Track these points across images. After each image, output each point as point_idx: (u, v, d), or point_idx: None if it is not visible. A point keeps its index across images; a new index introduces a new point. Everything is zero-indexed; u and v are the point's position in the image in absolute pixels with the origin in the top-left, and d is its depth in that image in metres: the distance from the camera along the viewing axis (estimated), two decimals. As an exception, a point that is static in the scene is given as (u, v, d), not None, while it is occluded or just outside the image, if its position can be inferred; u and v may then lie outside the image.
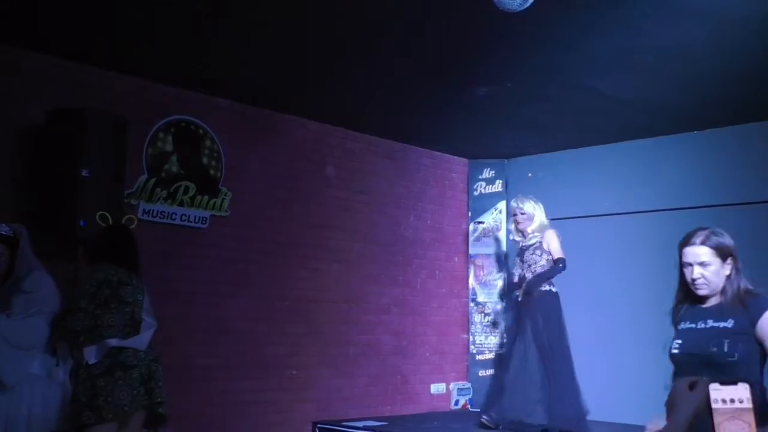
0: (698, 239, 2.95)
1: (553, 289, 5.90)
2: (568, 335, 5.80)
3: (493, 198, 7.79)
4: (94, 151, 4.61)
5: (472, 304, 7.70)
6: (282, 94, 5.84)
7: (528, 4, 3.70)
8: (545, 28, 4.40)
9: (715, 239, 2.93)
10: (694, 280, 2.92)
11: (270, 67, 5.24)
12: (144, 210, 5.36)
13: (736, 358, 2.73)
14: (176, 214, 5.55)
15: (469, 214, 7.88)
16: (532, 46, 4.74)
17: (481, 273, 7.70)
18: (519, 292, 6.03)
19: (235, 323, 5.82)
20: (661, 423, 3.03)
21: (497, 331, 7.53)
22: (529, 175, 7.54)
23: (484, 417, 5.96)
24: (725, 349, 2.75)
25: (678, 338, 2.97)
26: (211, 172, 5.78)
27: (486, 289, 7.69)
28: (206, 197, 5.71)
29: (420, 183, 7.48)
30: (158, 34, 4.67)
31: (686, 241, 2.98)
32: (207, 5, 4.23)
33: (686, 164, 6.54)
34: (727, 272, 2.93)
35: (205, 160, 5.75)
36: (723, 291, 2.93)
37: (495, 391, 6.12)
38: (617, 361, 6.47)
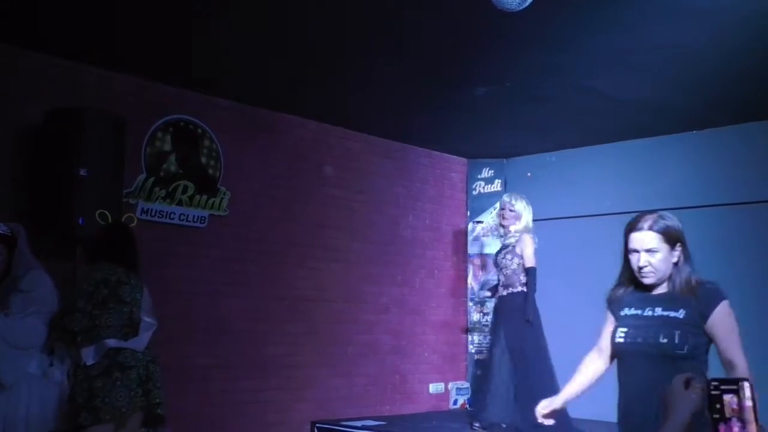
0: (646, 224, 2.79)
1: (517, 290, 5.87)
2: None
3: (492, 197, 7.77)
4: (93, 151, 4.61)
5: (470, 304, 7.70)
6: (281, 93, 5.83)
7: (527, 4, 3.69)
8: (544, 27, 4.39)
9: (663, 224, 2.77)
10: (641, 267, 2.77)
11: (269, 67, 5.23)
12: (142, 209, 5.35)
13: (685, 351, 2.62)
14: (175, 214, 5.54)
15: (468, 214, 7.88)
16: (531, 46, 4.74)
17: (480, 272, 7.70)
18: (495, 295, 6.11)
19: (233, 323, 5.82)
20: (557, 401, 3.01)
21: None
22: (528, 174, 7.53)
23: (475, 425, 5.94)
24: (676, 341, 2.63)
25: (623, 326, 2.81)
26: (210, 171, 5.77)
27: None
28: (205, 197, 5.70)
29: (419, 182, 7.47)
30: (157, 34, 4.66)
31: (633, 227, 2.82)
32: (206, 5, 4.22)
33: (687, 164, 6.53)
34: (675, 259, 2.78)
35: (203, 160, 5.75)
36: (671, 279, 2.78)
37: (480, 396, 6.12)
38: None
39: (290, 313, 6.21)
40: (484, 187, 7.85)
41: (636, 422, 2.71)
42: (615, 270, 3.00)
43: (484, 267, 7.66)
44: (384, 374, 6.93)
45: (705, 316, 2.66)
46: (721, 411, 1.73)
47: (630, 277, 2.86)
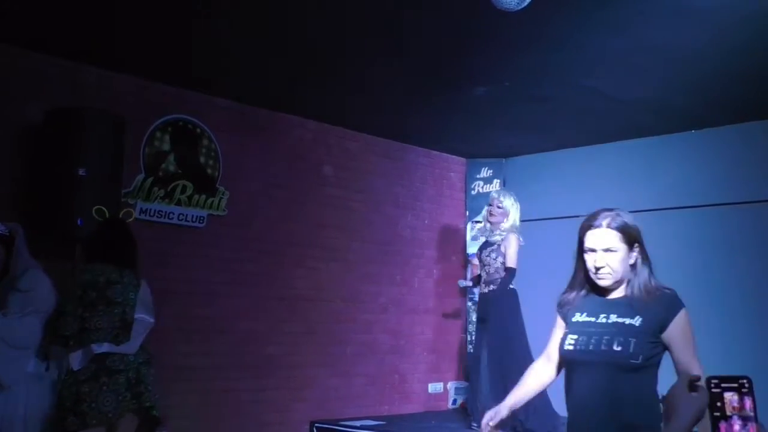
0: (604, 221, 2.58)
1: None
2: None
3: (491, 197, 7.78)
4: (92, 151, 4.61)
5: (469, 303, 7.69)
6: (280, 93, 5.83)
7: (525, 4, 3.68)
8: (543, 27, 4.39)
9: (621, 221, 2.58)
10: (598, 268, 2.56)
11: (268, 67, 5.22)
12: (141, 209, 5.34)
13: (639, 362, 2.44)
14: (173, 214, 5.53)
15: (467, 214, 7.88)
16: (530, 46, 4.73)
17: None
18: (476, 286, 6.11)
19: (232, 323, 5.81)
20: (502, 411, 2.71)
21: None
22: (528, 174, 7.53)
23: (473, 425, 5.92)
24: (631, 350, 2.44)
25: (573, 332, 2.59)
26: (209, 171, 5.77)
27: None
28: (204, 196, 5.70)
29: (418, 182, 7.47)
30: (156, 34, 4.65)
31: (589, 224, 2.61)
32: (206, 5, 4.22)
33: (687, 163, 6.53)
34: (632, 261, 2.58)
35: (202, 160, 5.74)
36: (628, 283, 2.59)
37: (472, 396, 6.11)
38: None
39: (289, 313, 6.21)
40: (483, 187, 7.85)
41: None
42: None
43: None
44: (383, 374, 6.93)
45: (664, 325, 2.49)
46: (722, 409, 1.73)
47: (583, 279, 2.67)
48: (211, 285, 5.72)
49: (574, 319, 2.64)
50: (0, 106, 4.77)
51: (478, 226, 7.72)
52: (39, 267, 4.19)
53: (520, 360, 5.47)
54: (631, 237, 2.58)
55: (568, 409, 2.63)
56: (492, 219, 5.97)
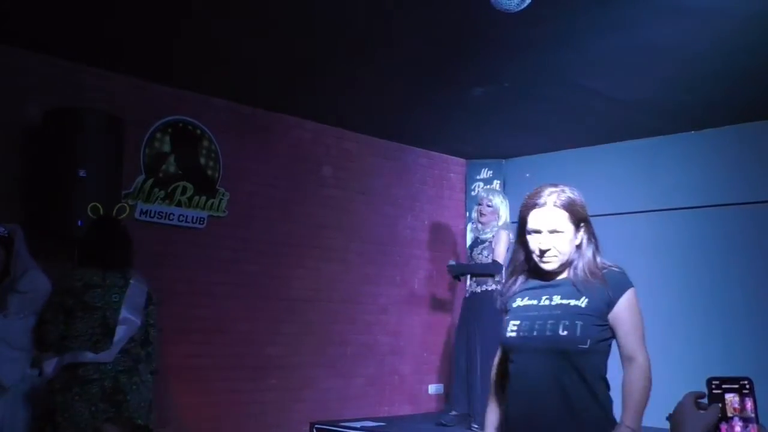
0: (549, 199, 2.40)
1: (490, 288, 5.77)
2: None
3: (491, 198, 7.77)
4: (92, 152, 4.61)
5: (469, 304, 7.69)
6: (279, 94, 5.82)
7: (525, 4, 3.69)
8: (543, 28, 4.39)
9: (567, 198, 2.40)
10: (543, 251, 2.37)
11: (267, 68, 5.22)
12: (141, 210, 5.34)
13: (587, 346, 2.28)
14: (174, 215, 5.53)
15: (467, 214, 7.87)
16: (529, 46, 4.73)
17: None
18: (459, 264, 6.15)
19: (232, 323, 5.81)
20: None
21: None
22: (527, 175, 7.53)
23: (473, 426, 5.90)
24: (577, 333, 2.28)
25: (514, 318, 2.41)
26: (209, 172, 5.77)
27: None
28: (204, 197, 5.70)
29: (417, 183, 7.47)
30: (156, 34, 4.65)
31: (533, 203, 2.43)
32: (205, 5, 4.22)
33: (687, 164, 6.52)
34: (578, 241, 2.41)
35: (202, 161, 5.74)
36: (572, 264, 2.41)
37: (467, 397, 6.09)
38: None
39: (289, 314, 6.20)
40: (482, 188, 7.84)
41: (530, 430, 2.36)
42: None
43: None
44: (383, 375, 6.92)
45: (610, 304, 2.33)
46: (723, 410, 1.72)
47: (522, 264, 2.49)
48: (211, 286, 5.71)
49: (515, 305, 2.46)
50: (0, 106, 4.76)
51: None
52: (38, 268, 4.18)
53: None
54: (578, 215, 2.41)
55: (509, 401, 2.46)
56: (482, 219, 5.99)
